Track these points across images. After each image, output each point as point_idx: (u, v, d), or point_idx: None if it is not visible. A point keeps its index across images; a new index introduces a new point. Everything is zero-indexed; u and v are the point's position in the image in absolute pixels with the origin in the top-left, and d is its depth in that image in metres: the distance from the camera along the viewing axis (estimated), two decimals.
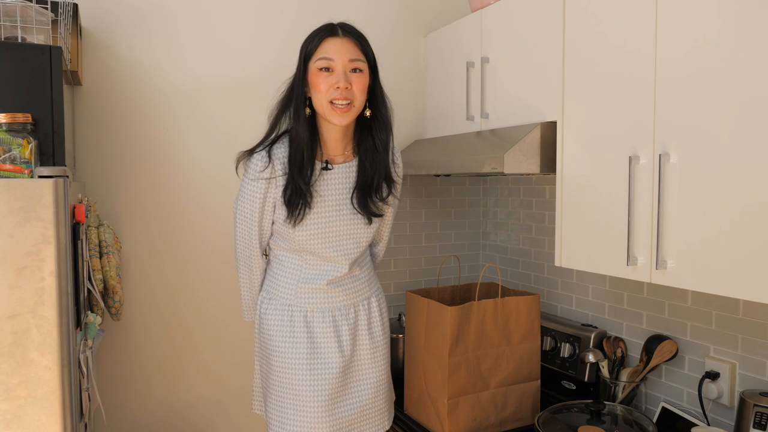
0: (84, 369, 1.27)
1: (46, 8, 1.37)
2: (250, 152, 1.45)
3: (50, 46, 1.31)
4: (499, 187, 2.32)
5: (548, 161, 1.58)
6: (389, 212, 1.59)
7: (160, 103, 1.87)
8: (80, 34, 1.65)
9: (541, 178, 2.09)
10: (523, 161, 1.55)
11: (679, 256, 1.25)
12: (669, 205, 1.26)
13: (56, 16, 1.39)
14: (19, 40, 1.34)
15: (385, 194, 1.48)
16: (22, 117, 1.24)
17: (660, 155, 1.26)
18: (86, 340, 1.32)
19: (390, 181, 1.49)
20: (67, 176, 1.19)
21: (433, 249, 2.34)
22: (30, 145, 1.24)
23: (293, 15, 2.02)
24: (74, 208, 1.25)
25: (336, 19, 1.45)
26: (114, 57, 1.81)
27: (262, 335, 1.52)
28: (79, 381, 1.25)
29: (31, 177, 1.19)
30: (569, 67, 1.52)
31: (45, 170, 1.17)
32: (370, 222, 1.47)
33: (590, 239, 1.47)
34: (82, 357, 1.26)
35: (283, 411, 1.46)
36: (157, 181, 1.88)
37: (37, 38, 1.35)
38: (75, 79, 1.66)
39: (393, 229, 2.21)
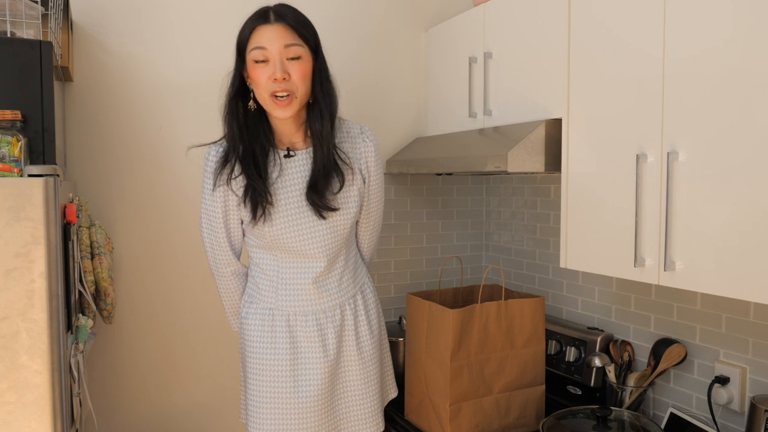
0: (75, 373, 1.25)
1: (36, 2, 1.35)
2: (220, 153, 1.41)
3: (40, 41, 1.29)
4: (502, 187, 2.30)
5: (553, 159, 1.56)
6: (372, 196, 1.50)
7: (154, 100, 1.85)
8: (71, 29, 1.63)
9: (546, 177, 2.07)
10: (527, 159, 1.52)
11: (687, 257, 1.23)
12: (677, 204, 1.25)
13: (46, 10, 1.37)
14: (8, 35, 1.32)
15: (336, 188, 1.40)
16: (11, 114, 1.23)
17: (668, 153, 1.24)
18: (77, 343, 1.32)
19: (339, 173, 1.40)
20: (58, 175, 1.18)
21: (435, 250, 2.32)
22: (19, 143, 1.23)
23: None
24: (65, 207, 1.24)
25: (274, 1, 1.38)
26: (106, 52, 1.79)
27: (242, 341, 1.48)
28: (70, 386, 1.24)
29: (21, 176, 1.18)
30: (575, 63, 1.50)
31: (35, 169, 1.16)
32: (321, 217, 1.39)
33: (596, 240, 1.45)
34: (73, 361, 1.24)
35: (260, 421, 1.41)
36: (151, 180, 1.86)
37: (27, 33, 1.33)
38: (66, 75, 1.64)
39: (393, 229, 2.20)
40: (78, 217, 1.39)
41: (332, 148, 1.39)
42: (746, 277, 1.13)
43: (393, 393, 1.60)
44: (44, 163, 1.29)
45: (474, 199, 2.38)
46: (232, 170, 1.37)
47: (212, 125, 1.92)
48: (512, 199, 2.25)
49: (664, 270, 1.26)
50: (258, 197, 1.36)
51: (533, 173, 2.07)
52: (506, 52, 1.76)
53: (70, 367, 1.23)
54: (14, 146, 1.22)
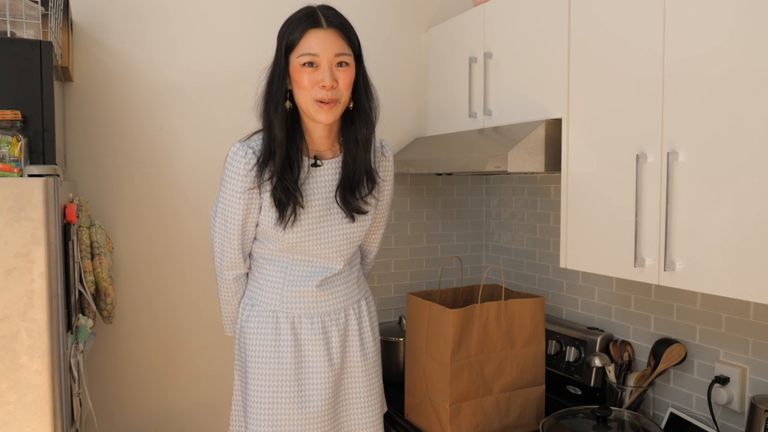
0: (75, 374, 1.25)
1: (36, 2, 1.35)
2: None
3: (40, 41, 1.29)
4: (502, 187, 2.29)
5: (553, 159, 1.55)
6: (382, 207, 1.52)
7: (154, 100, 1.84)
8: (71, 29, 1.63)
9: (546, 177, 2.06)
10: (527, 159, 1.52)
11: (687, 257, 1.23)
12: (677, 204, 1.24)
13: (46, 10, 1.36)
14: (8, 35, 1.32)
15: (365, 192, 1.41)
16: (11, 114, 1.22)
17: (668, 153, 1.24)
18: (77, 343, 1.31)
19: (371, 179, 1.42)
20: (58, 175, 1.18)
21: (435, 250, 2.31)
22: (19, 143, 1.22)
23: (289, 8, 1.97)
24: (65, 207, 1.24)
25: (317, 1, 1.36)
26: (106, 52, 1.78)
27: (242, 346, 1.44)
28: (70, 386, 1.23)
29: (21, 176, 1.18)
30: (575, 63, 1.49)
31: (35, 169, 1.16)
32: (352, 219, 1.41)
33: (596, 240, 1.44)
34: (73, 361, 1.24)
35: (260, 430, 1.38)
36: (151, 180, 1.86)
37: (27, 33, 1.33)
38: (66, 75, 1.64)
39: (393, 229, 2.20)
40: (78, 217, 1.38)
41: (371, 155, 1.41)
42: (746, 277, 1.12)
43: (384, 407, 1.60)
44: (44, 163, 1.29)
45: (474, 199, 2.37)
46: (265, 172, 1.34)
47: (212, 125, 1.92)
48: (512, 199, 2.24)
49: (664, 270, 1.25)
50: (291, 200, 1.34)
51: (533, 173, 2.06)
52: (506, 52, 1.75)
53: (70, 367, 1.22)
54: (14, 146, 1.22)
